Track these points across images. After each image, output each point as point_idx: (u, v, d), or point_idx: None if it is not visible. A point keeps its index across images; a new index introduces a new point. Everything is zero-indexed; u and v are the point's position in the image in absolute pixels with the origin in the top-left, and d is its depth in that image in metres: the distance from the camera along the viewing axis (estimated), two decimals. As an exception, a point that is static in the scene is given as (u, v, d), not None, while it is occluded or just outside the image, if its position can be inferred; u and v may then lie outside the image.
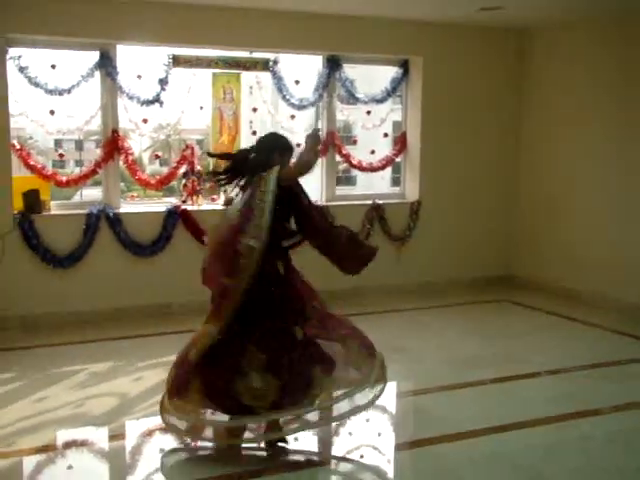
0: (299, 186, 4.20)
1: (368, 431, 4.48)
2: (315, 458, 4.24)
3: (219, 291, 4.04)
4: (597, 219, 7.59)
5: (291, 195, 4.10)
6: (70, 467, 4.05)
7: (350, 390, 3.99)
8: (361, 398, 4.01)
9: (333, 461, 4.14)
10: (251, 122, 7.83)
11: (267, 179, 3.97)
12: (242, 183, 4.20)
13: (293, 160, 4.26)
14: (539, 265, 8.35)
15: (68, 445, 4.29)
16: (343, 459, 4.12)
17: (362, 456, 4.14)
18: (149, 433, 4.43)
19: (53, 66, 6.65)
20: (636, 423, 4.55)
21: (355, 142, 8.89)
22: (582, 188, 7.78)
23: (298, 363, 3.96)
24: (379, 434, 4.48)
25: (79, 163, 14.59)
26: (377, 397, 4.06)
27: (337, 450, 4.27)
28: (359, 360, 4.09)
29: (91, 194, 8.07)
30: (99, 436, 4.44)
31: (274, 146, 4.21)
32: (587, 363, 5.70)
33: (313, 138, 4.09)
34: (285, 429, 4.06)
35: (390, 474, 4.00)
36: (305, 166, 4.07)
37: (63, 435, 4.39)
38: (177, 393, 4.00)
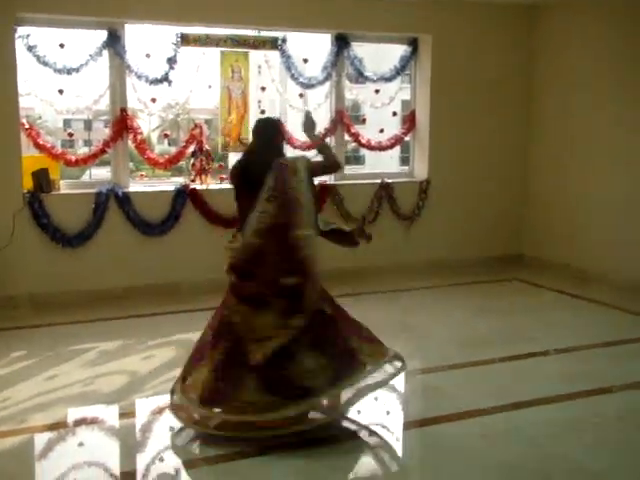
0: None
1: (378, 409, 4.49)
2: (325, 435, 4.25)
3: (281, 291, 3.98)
4: (606, 198, 7.55)
5: None
6: (81, 444, 4.08)
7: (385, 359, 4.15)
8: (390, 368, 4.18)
9: (342, 439, 4.14)
10: (260, 101, 7.80)
11: (297, 169, 4.00)
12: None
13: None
14: (548, 244, 8.33)
15: (78, 422, 4.32)
16: (352, 438, 4.12)
17: (372, 434, 4.14)
18: (159, 411, 4.44)
19: (62, 45, 6.64)
20: (646, 401, 4.55)
21: (364, 121, 8.86)
22: (592, 167, 7.73)
23: (337, 337, 4.05)
24: (388, 412, 4.49)
25: (88, 143, 14.64)
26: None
27: (347, 428, 4.28)
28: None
29: (100, 174, 8.09)
30: (109, 414, 4.47)
31: (277, 130, 4.28)
32: (597, 341, 5.69)
33: (327, 146, 4.33)
34: (347, 402, 4.10)
35: (400, 452, 4.01)
36: (336, 167, 4.31)
37: (73, 413, 4.42)
38: (222, 395, 3.92)
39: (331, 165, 4.27)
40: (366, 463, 3.89)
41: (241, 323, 4.04)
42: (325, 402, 4.12)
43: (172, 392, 4.24)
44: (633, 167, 7.25)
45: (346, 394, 4.11)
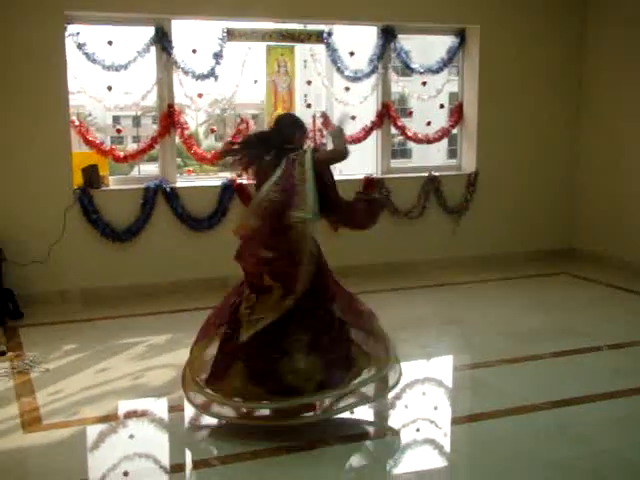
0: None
1: (426, 404, 4.46)
2: (371, 430, 4.23)
3: (266, 269, 4.04)
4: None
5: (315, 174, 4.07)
6: (131, 437, 4.13)
7: (383, 368, 4.08)
8: (392, 376, 4.14)
9: (389, 434, 4.12)
10: (305, 95, 7.79)
11: (304, 158, 4.02)
12: (267, 158, 4.14)
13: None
14: (598, 237, 8.16)
15: (129, 415, 4.37)
16: (400, 432, 4.10)
17: (419, 430, 4.11)
18: (207, 404, 4.47)
19: (110, 42, 6.70)
20: (703, 398, 4.43)
21: (410, 114, 8.78)
22: (646, 158, 7.55)
23: (339, 341, 4.02)
24: (436, 407, 4.44)
25: (136, 139, 14.82)
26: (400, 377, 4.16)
27: (393, 423, 4.25)
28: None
29: (149, 169, 8.16)
30: (159, 407, 4.51)
31: (295, 124, 4.27)
32: (649, 337, 5.57)
33: (339, 132, 4.15)
34: (338, 407, 4.03)
35: (447, 448, 3.96)
36: (340, 157, 4.19)
37: (124, 405, 4.48)
38: (216, 378, 4.03)
39: (335, 154, 4.23)
40: (412, 459, 3.85)
41: (247, 309, 4.07)
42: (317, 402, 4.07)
43: (183, 377, 4.27)
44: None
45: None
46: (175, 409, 4.43)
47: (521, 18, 7.93)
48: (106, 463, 3.76)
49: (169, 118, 6.98)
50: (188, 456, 3.89)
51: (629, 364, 5.02)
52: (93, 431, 4.12)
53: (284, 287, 3.97)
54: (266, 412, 4.15)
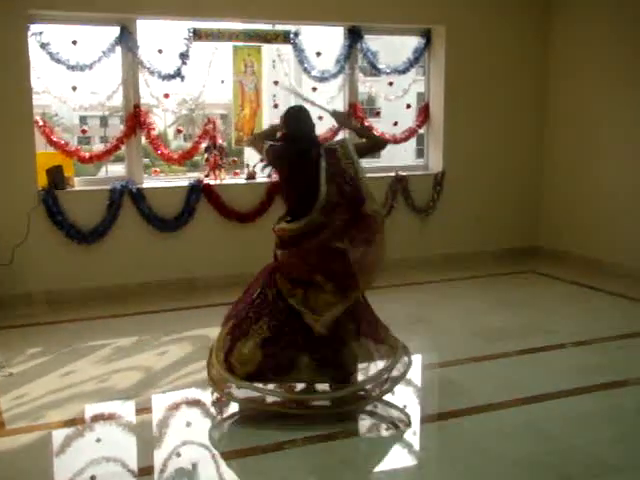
0: None
1: (394, 404, 4.46)
2: (339, 431, 4.23)
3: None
4: (622, 188, 7.47)
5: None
6: (98, 440, 4.09)
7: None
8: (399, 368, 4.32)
9: (359, 434, 4.12)
10: (274, 96, 7.78)
11: (347, 151, 4.12)
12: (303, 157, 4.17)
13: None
14: (565, 235, 8.26)
15: (95, 418, 4.33)
16: (370, 431, 4.11)
17: (388, 428, 4.12)
18: (175, 407, 4.45)
19: (74, 42, 6.64)
20: (665, 394, 4.51)
21: (378, 114, 8.81)
22: (609, 158, 7.65)
23: (375, 324, 4.31)
24: (405, 406, 4.45)
25: (104, 139, 14.69)
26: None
27: (364, 422, 4.25)
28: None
29: (117, 170, 8.11)
30: (125, 410, 4.47)
31: (308, 119, 4.32)
32: (614, 334, 5.64)
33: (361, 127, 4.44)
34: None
35: (417, 446, 3.97)
36: (380, 146, 4.54)
37: (90, 409, 4.43)
38: (281, 371, 4.11)
39: (377, 143, 4.54)
40: (382, 457, 3.86)
41: (299, 304, 4.12)
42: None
43: (208, 365, 4.35)
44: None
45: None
46: (143, 411, 4.41)
47: (486, 18, 8.00)
48: (72, 467, 3.71)
49: (135, 118, 6.93)
50: (157, 459, 3.86)
51: (594, 361, 5.08)
52: (59, 435, 4.07)
53: (337, 285, 4.07)
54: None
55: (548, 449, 3.77)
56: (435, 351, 5.43)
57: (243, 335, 4.17)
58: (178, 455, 3.85)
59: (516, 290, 7.14)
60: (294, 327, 4.12)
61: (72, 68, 6.57)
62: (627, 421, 4.12)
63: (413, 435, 4.06)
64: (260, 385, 4.16)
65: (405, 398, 4.56)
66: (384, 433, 4.07)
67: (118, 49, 6.78)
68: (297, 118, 4.32)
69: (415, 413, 4.28)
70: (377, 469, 3.78)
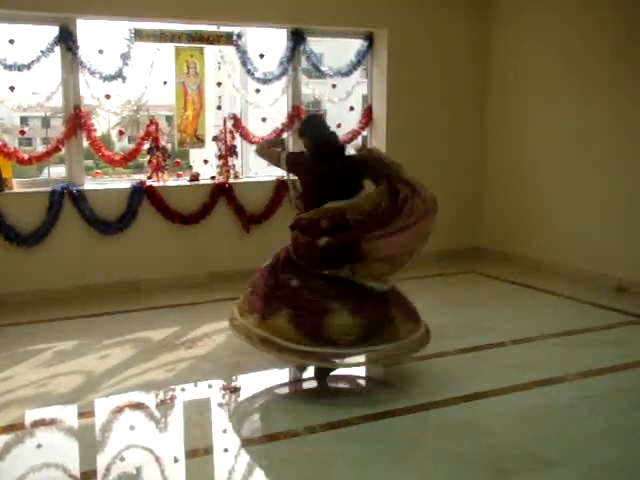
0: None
1: (337, 403, 4.49)
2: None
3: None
4: (559, 191, 7.68)
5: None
6: (38, 446, 4.02)
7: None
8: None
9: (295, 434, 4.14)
10: (220, 97, 7.77)
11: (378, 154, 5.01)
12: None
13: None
14: (505, 237, 8.45)
15: (35, 424, 4.26)
16: (315, 431, 4.13)
17: (333, 427, 4.14)
18: (118, 410, 4.41)
19: (11, 41, 6.52)
20: (598, 389, 4.63)
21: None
22: (547, 161, 7.84)
23: (376, 306, 4.52)
24: (345, 406, 4.48)
25: (45, 140, 14.42)
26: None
27: (306, 419, 4.27)
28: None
29: (59, 172, 7.97)
30: (67, 414, 4.40)
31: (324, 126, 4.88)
32: (551, 331, 5.78)
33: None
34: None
35: (356, 444, 3.99)
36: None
37: (30, 414, 4.35)
38: (265, 313, 4.49)
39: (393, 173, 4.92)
40: (321, 458, 3.89)
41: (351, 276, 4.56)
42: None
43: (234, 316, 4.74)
44: (586, 160, 7.37)
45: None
46: (84, 415, 4.37)
47: (428, 22, 8.12)
48: (12, 475, 3.64)
49: (76, 120, 6.84)
50: (100, 463, 3.82)
51: (532, 358, 5.21)
52: (-2, 441, 4.01)
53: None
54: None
55: (486, 445, 3.86)
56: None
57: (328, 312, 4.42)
58: (121, 459, 3.82)
59: (458, 290, 7.26)
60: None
61: (10, 68, 6.45)
62: (562, 416, 4.23)
63: (352, 434, 4.09)
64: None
65: (345, 398, 4.60)
66: (326, 431, 4.10)
67: (57, 49, 6.69)
68: (317, 124, 4.88)
69: (356, 411, 4.31)
70: (315, 469, 3.80)
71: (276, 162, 5.05)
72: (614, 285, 6.98)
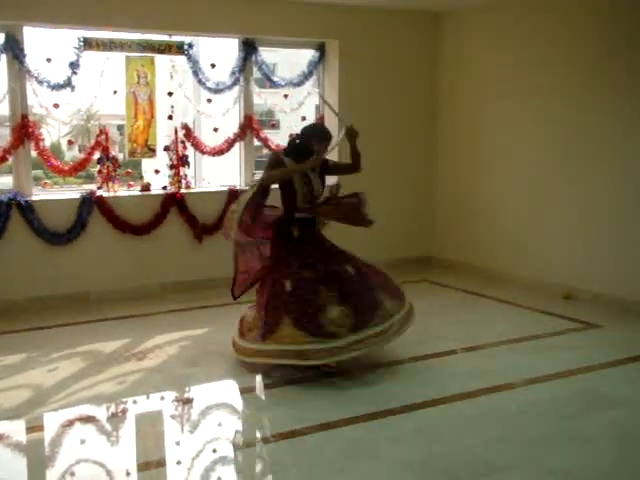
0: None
1: (288, 412, 4.48)
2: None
3: None
4: (507, 201, 7.82)
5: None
6: (-16, 462, 3.94)
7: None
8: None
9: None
10: (172, 107, 7.72)
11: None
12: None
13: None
14: (455, 246, 8.57)
15: (-19, 439, 4.17)
16: (268, 442, 4.12)
17: (285, 436, 4.14)
18: (68, 424, 4.34)
19: (-44, 49, 6.41)
20: (547, 395, 4.70)
21: (274, 126, 8.87)
22: (495, 172, 7.98)
23: (361, 290, 4.98)
24: (297, 414, 4.48)
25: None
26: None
27: (277, 424, 4.25)
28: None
29: (6, 182, 7.83)
30: (14, 429, 4.30)
31: (312, 135, 5.19)
32: (501, 339, 5.87)
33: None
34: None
35: (310, 452, 3.99)
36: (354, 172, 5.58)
37: (-25, 430, 4.26)
38: (271, 332, 4.84)
39: (355, 168, 5.58)
40: (273, 466, 3.88)
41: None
42: None
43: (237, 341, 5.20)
44: (534, 171, 7.51)
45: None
46: (33, 430, 4.28)
47: (379, 34, 8.20)
48: (-44, 491, 3.57)
49: (23, 129, 6.73)
50: (49, 478, 3.75)
51: (482, 365, 5.28)
52: (-59, 458, 3.90)
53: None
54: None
55: (438, 452, 3.89)
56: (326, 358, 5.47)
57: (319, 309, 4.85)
58: (72, 474, 3.75)
59: (411, 298, 7.28)
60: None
61: (-46, 76, 6.33)
62: (512, 422, 4.29)
63: (304, 444, 4.08)
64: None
65: (298, 405, 4.59)
66: (278, 441, 4.09)
67: (3, 57, 6.58)
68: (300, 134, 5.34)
69: (307, 422, 4.31)
70: (269, 475, 3.79)
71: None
72: (562, 293, 7.12)
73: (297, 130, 8.24)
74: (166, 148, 7.44)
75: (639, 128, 6.48)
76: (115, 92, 7.24)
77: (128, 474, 3.73)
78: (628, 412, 4.44)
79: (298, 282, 4.94)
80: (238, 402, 4.82)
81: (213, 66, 7.53)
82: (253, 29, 7.56)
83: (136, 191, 7.38)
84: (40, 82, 6.66)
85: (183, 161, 7.45)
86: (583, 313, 6.59)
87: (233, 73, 7.57)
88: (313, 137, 5.19)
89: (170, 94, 7.58)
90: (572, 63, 7.01)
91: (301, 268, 5.02)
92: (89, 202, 6.95)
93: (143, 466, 3.79)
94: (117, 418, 4.44)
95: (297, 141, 5.27)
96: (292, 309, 4.84)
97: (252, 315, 5.23)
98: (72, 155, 12.66)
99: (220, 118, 7.60)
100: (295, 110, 8.04)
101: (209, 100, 7.62)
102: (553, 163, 7.30)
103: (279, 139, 8.04)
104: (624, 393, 4.74)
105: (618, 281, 6.72)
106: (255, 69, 7.72)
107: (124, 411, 4.55)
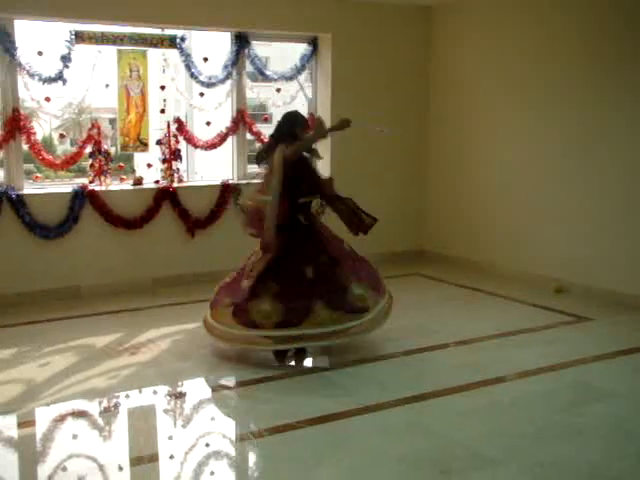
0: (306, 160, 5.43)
1: (279, 407, 4.49)
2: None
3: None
4: (500, 195, 7.83)
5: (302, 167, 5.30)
6: (-24, 456, 3.93)
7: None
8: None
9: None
10: (164, 100, 7.70)
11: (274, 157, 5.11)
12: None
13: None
14: (447, 240, 8.58)
15: (-27, 434, 4.16)
16: (261, 436, 4.13)
17: (279, 431, 4.14)
18: (60, 419, 4.33)
19: (-53, 41, 6.37)
20: (538, 388, 4.73)
21: (266, 120, 8.85)
22: (487, 166, 8.00)
23: (303, 295, 5.00)
24: (287, 409, 4.49)
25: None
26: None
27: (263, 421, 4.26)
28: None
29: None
30: (6, 424, 4.29)
31: (295, 121, 5.33)
32: (493, 332, 5.89)
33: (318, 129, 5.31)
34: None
35: (302, 447, 4.00)
36: (298, 150, 5.18)
37: (-33, 424, 4.25)
38: (304, 316, 4.98)
39: (298, 147, 5.25)
40: (268, 459, 3.88)
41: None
42: None
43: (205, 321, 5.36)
44: (526, 165, 7.53)
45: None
46: (25, 425, 4.28)
47: (371, 28, 8.20)
48: (-52, 486, 3.56)
49: (14, 123, 6.70)
50: (41, 473, 3.75)
51: (474, 359, 5.30)
52: None
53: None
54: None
55: (430, 445, 3.90)
56: (322, 354, 5.49)
57: (254, 296, 5.01)
58: (64, 469, 3.75)
59: (402, 292, 7.24)
60: (300, 280, 5.06)
61: (-56, 69, 6.29)
62: (504, 415, 4.31)
63: (298, 437, 4.09)
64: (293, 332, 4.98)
65: (290, 401, 4.59)
66: (272, 434, 4.09)
67: (-5, 50, 6.55)
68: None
69: (301, 415, 4.32)
70: (260, 473, 3.80)
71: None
72: (553, 286, 7.14)
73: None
74: (158, 142, 7.42)
75: (626, 122, 6.51)
76: (107, 86, 7.21)
77: (121, 469, 3.73)
78: (619, 405, 4.47)
79: (318, 267, 5.12)
80: (230, 396, 4.82)
81: (205, 60, 7.52)
82: (246, 23, 7.54)
83: (128, 185, 7.36)
84: (31, 75, 6.63)
85: (175, 155, 7.43)
86: (574, 306, 6.61)
87: (225, 67, 7.56)
88: (296, 123, 5.34)
89: (162, 88, 7.56)
90: (568, 57, 7.02)
91: (317, 253, 5.21)
92: (81, 196, 6.93)
93: (136, 460, 3.79)
94: (109, 413, 4.44)
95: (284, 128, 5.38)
96: (322, 293, 5.02)
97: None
98: (64, 149, 12.60)
99: (212, 112, 7.59)
100: (288, 104, 8.02)
101: (201, 94, 7.59)
102: (546, 158, 7.32)
103: (270, 132, 8.02)
104: (615, 386, 4.77)
105: (609, 274, 6.75)
106: (248, 63, 7.71)
107: (116, 406, 4.55)
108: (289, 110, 5.61)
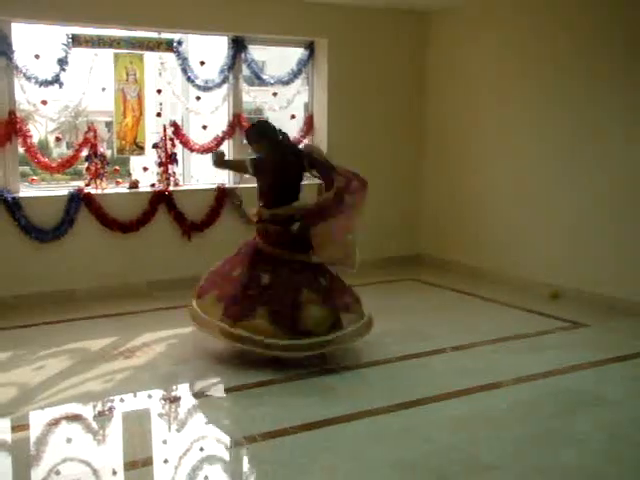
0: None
1: (275, 412, 4.48)
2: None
3: None
4: (497, 200, 7.84)
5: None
6: (-30, 460, 3.91)
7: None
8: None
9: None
10: (161, 104, 7.70)
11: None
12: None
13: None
14: (443, 245, 8.58)
15: (-33, 438, 4.14)
16: (246, 441, 4.12)
17: (273, 436, 4.13)
18: (54, 422, 4.32)
19: (-57, 44, 6.36)
20: (533, 393, 4.73)
21: (262, 124, 8.84)
22: (484, 169, 8.00)
23: (340, 294, 5.31)
24: (285, 414, 4.48)
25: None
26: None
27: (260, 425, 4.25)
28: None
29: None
30: (1, 427, 4.29)
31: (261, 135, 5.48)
32: (489, 338, 5.88)
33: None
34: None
35: (296, 452, 3.99)
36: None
37: (-38, 428, 4.24)
38: (242, 316, 4.98)
39: None
40: (259, 465, 3.88)
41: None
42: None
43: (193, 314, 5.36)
44: (522, 170, 7.54)
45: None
46: (19, 429, 4.26)
47: (368, 33, 8.21)
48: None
49: (10, 125, 6.69)
50: (35, 477, 3.73)
51: (470, 364, 5.29)
52: None
53: None
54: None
55: (426, 451, 3.89)
56: (317, 358, 5.48)
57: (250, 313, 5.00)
58: (57, 473, 3.73)
59: (399, 297, 7.32)
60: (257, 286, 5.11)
61: (-59, 71, 6.28)
62: (500, 421, 4.31)
63: (291, 443, 4.08)
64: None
65: (286, 405, 4.58)
66: (265, 440, 4.08)
67: (-8, 53, 6.54)
68: (272, 128, 5.54)
69: (295, 420, 4.30)
70: (253, 478, 3.79)
71: (243, 170, 5.70)
72: (549, 292, 7.14)
73: (286, 128, 8.33)
74: (155, 145, 7.41)
75: (619, 128, 6.53)
76: (104, 89, 7.19)
77: (115, 473, 3.72)
78: (615, 411, 4.47)
79: (278, 275, 5.15)
80: (224, 400, 4.81)
81: (202, 64, 7.52)
82: (243, 27, 7.54)
83: (124, 188, 7.35)
84: (28, 78, 6.62)
85: (172, 159, 7.42)
86: (570, 312, 6.61)
87: (222, 71, 7.56)
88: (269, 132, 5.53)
89: (159, 91, 7.56)
90: (562, 60, 7.03)
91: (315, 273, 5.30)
92: (77, 199, 6.92)
93: (130, 465, 3.78)
94: (104, 416, 4.43)
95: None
96: (268, 302, 5.01)
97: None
98: (60, 152, 12.60)
99: (209, 116, 7.59)
100: (284, 108, 8.05)
101: (198, 98, 7.59)
102: (541, 163, 7.32)
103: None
104: (611, 392, 4.76)
105: (605, 280, 6.75)
106: (244, 67, 7.71)
107: (111, 409, 4.54)
108: (261, 120, 5.79)
